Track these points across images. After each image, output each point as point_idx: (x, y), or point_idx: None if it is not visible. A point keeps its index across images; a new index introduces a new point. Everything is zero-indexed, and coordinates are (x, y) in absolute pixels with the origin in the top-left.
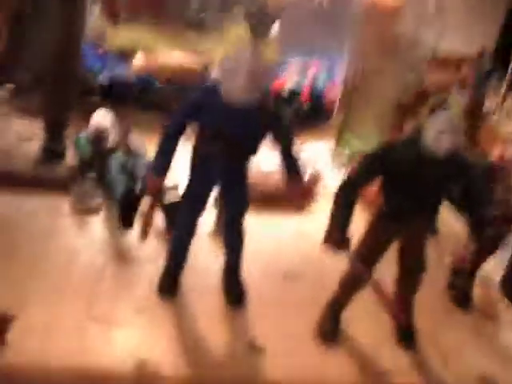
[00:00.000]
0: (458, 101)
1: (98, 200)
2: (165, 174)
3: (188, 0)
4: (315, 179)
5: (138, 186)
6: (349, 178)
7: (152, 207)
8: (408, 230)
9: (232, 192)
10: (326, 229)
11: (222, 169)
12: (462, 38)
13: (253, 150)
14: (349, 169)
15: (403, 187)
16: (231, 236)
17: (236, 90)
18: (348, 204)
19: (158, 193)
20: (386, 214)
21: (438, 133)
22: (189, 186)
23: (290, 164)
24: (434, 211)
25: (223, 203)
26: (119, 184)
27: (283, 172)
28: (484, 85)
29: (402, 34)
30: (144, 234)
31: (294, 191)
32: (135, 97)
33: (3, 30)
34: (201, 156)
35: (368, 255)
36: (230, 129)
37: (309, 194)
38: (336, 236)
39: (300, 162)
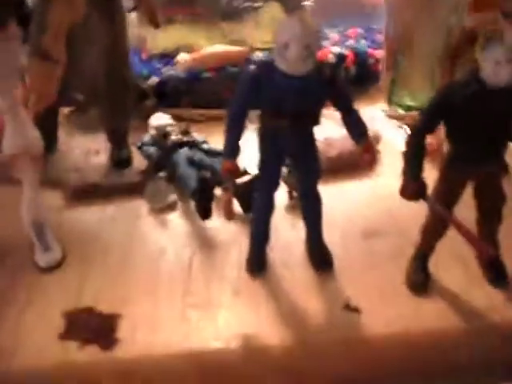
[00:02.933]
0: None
1: (172, 197)
2: (237, 155)
3: None
4: (375, 140)
5: (209, 176)
6: (414, 127)
7: (229, 190)
8: (480, 169)
9: (303, 162)
10: (401, 182)
11: (289, 141)
12: None
13: (316, 118)
14: (407, 124)
15: (467, 127)
16: (309, 205)
17: (291, 60)
18: (417, 154)
19: (233, 175)
20: (455, 158)
21: (496, 64)
22: (260, 164)
23: (355, 127)
24: (503, 146)
25: (296, 174)
26: (190, 178)
27: (350, 136)
28: None
29: None
30: (229, 213)
31: (365, 153)
32: (186, 91)
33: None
34: (266, 132)
35: (445, 198)
36: (291, 101)
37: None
38: (411, 186)
39: (363, 122)
